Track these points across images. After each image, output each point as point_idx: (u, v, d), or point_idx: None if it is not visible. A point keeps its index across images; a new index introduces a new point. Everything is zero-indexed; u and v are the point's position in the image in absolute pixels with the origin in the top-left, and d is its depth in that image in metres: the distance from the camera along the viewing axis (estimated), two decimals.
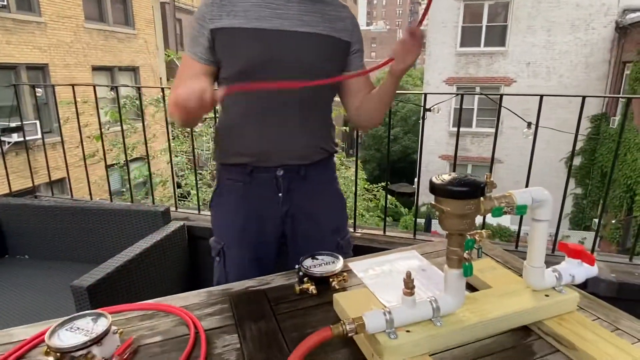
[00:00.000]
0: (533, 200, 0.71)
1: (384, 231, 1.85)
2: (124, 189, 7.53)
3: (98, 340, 0.73)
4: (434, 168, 11.53)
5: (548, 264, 0.79)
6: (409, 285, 0.68)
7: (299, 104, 1.07)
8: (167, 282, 1.81)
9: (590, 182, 11.64)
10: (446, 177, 0.67)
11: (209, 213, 2.13)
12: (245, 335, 0.81)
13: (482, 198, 0.67)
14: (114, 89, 2.44)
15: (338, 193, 1.23)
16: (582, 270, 0.79)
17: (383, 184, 7.27)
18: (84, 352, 0.72)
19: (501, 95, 1.72)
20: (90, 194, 2.29)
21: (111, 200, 2.29)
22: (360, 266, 1.06)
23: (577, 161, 11.58)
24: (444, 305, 0.71)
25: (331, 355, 0.75)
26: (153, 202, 2.21)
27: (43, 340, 0.80)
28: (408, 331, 0.69)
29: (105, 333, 0.75)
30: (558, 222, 1.77)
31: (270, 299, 0.94)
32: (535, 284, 0.78)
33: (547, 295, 0.77)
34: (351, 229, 1.89)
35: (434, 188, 0.67)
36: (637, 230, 1.99)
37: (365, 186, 7.63)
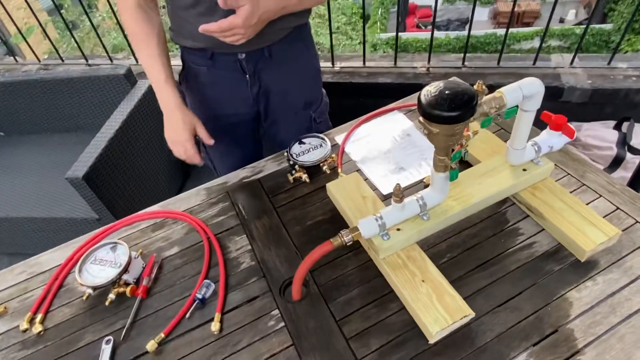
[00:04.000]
0: (524, 97, 0.68)
1: (364, 62, 1.77)
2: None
3: (125, 269, 0.82)
4: None
5: None
6: (398, 195, 0.72)
7: None
8: (154, 148, 1.83)
9: None
10: (434, 93, 0.63)
11: (175, 62, 1.96)
12: (253, 235, 0.90)
13: None
14: None
15: (310, 64, 1.13)
16: (561, 140, 0.82)
17: None
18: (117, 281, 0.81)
19: None
20: (37, 56, 2.03)
21: (62, 60, 2.06)
22: (348, 140, 1.08)
23: None
24: (429, 200, 0.77)
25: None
26: (109, 58, 2.00)
27: (73, 266, 0.89)
28: (399, 229, 0.77)
29: (129, 261, 0.83)
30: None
31: (267, 190, 1.00)
32: (515, 161, 0.82)
33: (524, 170, 0.83)
34: (329, 64, 1.80)
35: (423, 110, 0.63)
36: (624, 30, 1.91)
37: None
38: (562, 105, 1.62)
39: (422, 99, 0.63)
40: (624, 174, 1.48)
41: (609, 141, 1.53)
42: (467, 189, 0.81)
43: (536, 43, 10.45)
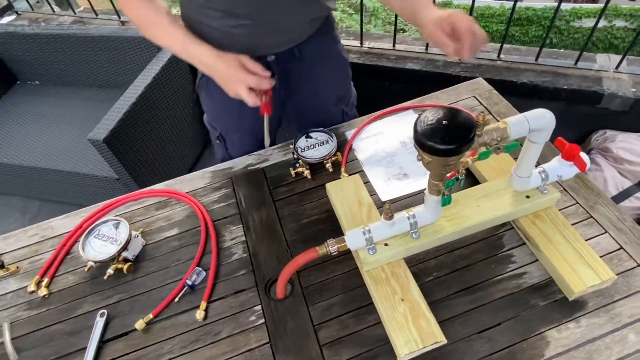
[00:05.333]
0: (530, 130, 0.65)
1: (394, 44, 1.69)
2: None
3: (125, 247, 0.86)
4: None
5: None
6: (388, 214, 0.72)
7: None
8: (176, 112, 1.86)
9: None
10: (430, 121, 0.60)
11: None
12: (249, 226, 0.92)
13: None
14: None
15: (339, 59, 1.08)
16: (571, 171, 0.78)
17: None
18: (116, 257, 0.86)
19: None
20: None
21: (96, 15, 2.08)
22: (357, 137, 1.06)
23: None
24: (421, 219, 0.76)
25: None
26: None
27: (80, 235, 0.94)
28: (386, 244, 0.77)
29: (129, 240, 0.87)
30: None
31: (269, 181, 1.01)
32: (518, 188, 0.79)
33: (528, 197, 0.79)
34: (357, 43, 1.74)
35: (417, 138, 0.61)
36: None
37: None
38: (599, 112, 1.52)
39: (418, 126, 0.61)
40: None
41: None
42: (463, 211, 0.79)
43: (599, 22, 9.63)
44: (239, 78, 0.79)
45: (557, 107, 1.57)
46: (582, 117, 1.58)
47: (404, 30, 8.99)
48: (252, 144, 1.12)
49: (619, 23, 9.65)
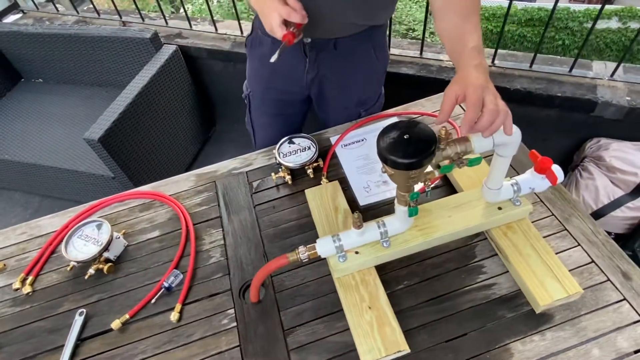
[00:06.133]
0: (495, 145, 0.65)
1: (389, 47, 1.69)
2: None
3: (106, 248, 0.89)
4: None
5: None
6: (356, 223, 0.73)
7: None
8: (174, 112, 1.88)
9: None
10: (392, 136, 0.61)
11: (202, 28, 1.97)
12: (228, 230, 0.94)
13: None
14: None
15: (373, 67, 1.10)
16: (543, 184, 0.78)
17: None
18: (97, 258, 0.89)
19: None
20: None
21: (98, 14, 2.11)
22: (340, 142, 1.07)
23: None
24: (391, 228, 0.77)
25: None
26: (141, 17, 2.03)
27: (66, 234, 0.97)
28: (357, 252, 0.78)
29: (110, 240, 0.89)
30: None
31: (251, 185, 1.02)
32: (490, 199, 0.79)
33: (500, 209, 0.80)
34: None
35: (379, 151, 0.62)
36: None
37: None
38: (593, 120, 1.50)
39: (380, 139, 0.62)
40: None
41: (636, 166, 1.42)
42: (434, 221, 0.80)
43: (613, 23, 9.48)
44: (273, 6, 0.81)
45: (551, 115, 1.56)
46: (576, 125, 1.56)
47: (413, 30, 8.92)
48: (275, 119, 1.17)
49: (634, 25, 9.50)
